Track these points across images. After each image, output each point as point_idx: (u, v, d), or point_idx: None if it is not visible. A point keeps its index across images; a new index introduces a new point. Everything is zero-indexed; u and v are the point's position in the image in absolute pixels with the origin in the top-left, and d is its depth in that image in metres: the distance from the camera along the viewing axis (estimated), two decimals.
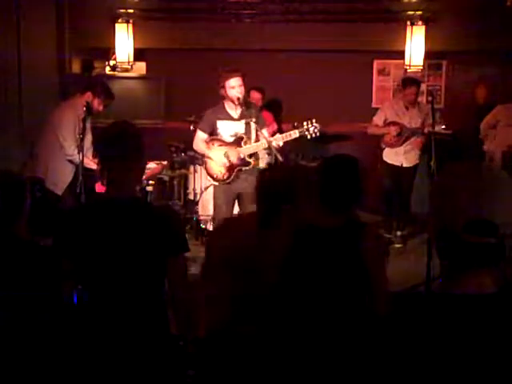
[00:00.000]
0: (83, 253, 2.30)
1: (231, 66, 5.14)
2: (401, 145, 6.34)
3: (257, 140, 5.12)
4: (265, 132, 5.14)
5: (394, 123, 6.38)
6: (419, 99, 6.62)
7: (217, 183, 5.27)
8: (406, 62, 7.56)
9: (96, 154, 2.38)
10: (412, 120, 6.33)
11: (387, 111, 6.47)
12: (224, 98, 5.07)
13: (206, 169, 5.36)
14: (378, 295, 2.44)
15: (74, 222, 2.36)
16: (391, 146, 6.42)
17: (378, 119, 6.51)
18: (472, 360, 1.35)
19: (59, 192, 5.11)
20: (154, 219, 2.32)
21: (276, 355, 2.41)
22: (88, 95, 5.09)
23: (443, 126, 6.12)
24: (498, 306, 1.39)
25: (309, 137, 5.09)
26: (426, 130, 6.19)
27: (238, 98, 4.97)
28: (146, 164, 2.52)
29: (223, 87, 5.00)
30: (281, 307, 2.44)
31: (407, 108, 6.36)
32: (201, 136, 5.22)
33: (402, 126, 6.33)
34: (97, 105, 5.14)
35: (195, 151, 5.60)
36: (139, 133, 2.40)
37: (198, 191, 6.56)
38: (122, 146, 2.32)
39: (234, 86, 4.96)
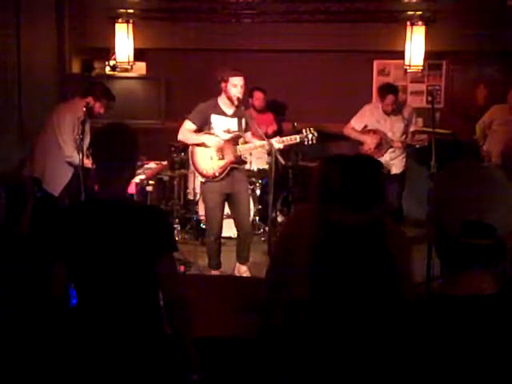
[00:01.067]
0: (73, 253, 2.31)
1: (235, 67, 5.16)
2: (382, 155, 6.12)
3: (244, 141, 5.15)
4: (248, 135, 5.18)
5: (374, 132, 6.19)
6: (404, 98, 6.52)
7: (203, 180, 5.17)
8: (406, 62, 7.56)
9: (90, 154, 2.40)
10: (394, 126, 6.17)
11: (368, 118, 6.25)
12: (220, 93, 5.05)
13: (193, 164, 5.18)
14: (407, 285, 2.52)
15: (64, 222, 2.36)
16: (371, 155, 6.27)
17: (356, 123, 6.28)
18: (472, 361, 1.35)
19: (55, 193, 5.11)
20: (142, 219, 2.32)
21: (308, 351, 2.43)
22: (89, 99, 5.09)
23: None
24: (498, 306, 1.39)
25: (306, 143, 5.15)
26: (406, 140, 6.13)
27: (238, 98, 4.97)
28: (136, 164, 2.52)
29: (226, 82, 4.98)
30: (312, 304, 2.45)
31: (388, 114, 6.16)
32: (189, 126, 5.07)
33: (381, 137, 6.13)
34: (98, 108, 5.16)
35: (180, 142, 5.37)
36: (132, 134, 2.41)
37: (198, 191, 6.56)
38: (113, 147, 2.34)
39: (237, 85, 4.95)
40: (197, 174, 5.30)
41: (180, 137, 5.17)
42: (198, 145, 5.11)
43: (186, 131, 5.09)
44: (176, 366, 2.36)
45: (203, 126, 5.08)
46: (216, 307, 3.84)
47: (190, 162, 5.29)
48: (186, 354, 2.33)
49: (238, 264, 5.38)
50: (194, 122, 5.07)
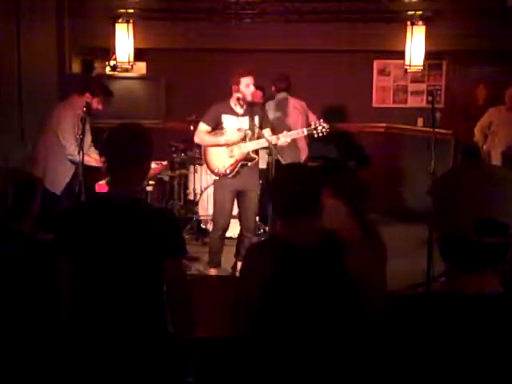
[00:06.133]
0: (81, 251, 2.31)
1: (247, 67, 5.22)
2: None
3: (257, 137, 5.16)
4: (267, 131, 5.16)
5: None
6: None
7: (217, 177, 5.25)
8: (406, 62, 7.56)
9: (102, 153, 2.40)
10: None
11: None
12: (232, 94, 5.10)
13: (206, 163, 5.30)
14: (373, 302, 2.26)
15: (75, 220, 2.37)
16: None
17: None
18: (477, 359, 1.35)
19: (58, 192, 5.11)
20: (153, 221, 2.32)
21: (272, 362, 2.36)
22: (87, 95, 5.09)
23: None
24: (504, 306, 1.39)
25: (316, 136, 5.15)
26: None
27: (247, 97, 5.05)
28: (150, 166, 2.52)
29: (238, 83, 5.04)
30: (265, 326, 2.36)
31: None
32: (203, 128, 5.20)
33: None
34: (96, 104, 5.15)
35: (196, 144, 5.50)
36: (147, 135, 2.41)
37: (198, 191, 6.56)
38: (128, 147, 2.34)
39: (249, 84, 5.03)
40: (210, 172, 5.38)
41: (196, 139, 5.31)
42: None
43: (202, 133, 5.22)
44: (176, 366, 2.36)
45: (216, 126, 5.19)
46: (216, 307, 3.84)
47: (203, 161, 5.39)
48: (185, 356, 2.34)
49: (238, 262, 5.39)
50: (208, 124, 5.19)
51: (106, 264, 2.29)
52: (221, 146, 5.15)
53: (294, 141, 5.69)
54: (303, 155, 6.46)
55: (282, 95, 6.67)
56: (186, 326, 2.36)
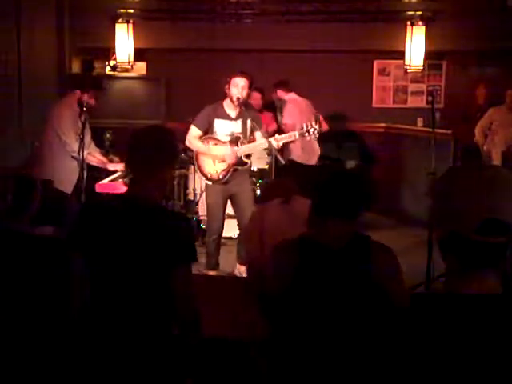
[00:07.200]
0: (96, 248, 2.30)
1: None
2: None
3: (251, 139, 5.14)
4: (258, 134, 5.13)
5: None
6: None
7: (210, 182, 5.20)
8: (406, 62, 7.57)
9: (122, 154, 2.39)
10: None
11: None
12: (225, 95, 5.07)
13: (198, 168, 5.26)
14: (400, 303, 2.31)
15: (90, 217, 2.36)
16: None
17: None
18: (477, 360, 1.35)
19: (68, 190, 5.10)
20: (166, 225, 2.30)
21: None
22: (77, 92, 5.10)
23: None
24: (504, 306, 1.39)
25: (308, 138, 5.14)
26: None
27: (238, 98, 4.97)
28: (173, 169, 2.47)
29: (228, 83, 5.02)
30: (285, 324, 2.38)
31: None
32: (194, 132, 5.12)
33: None
34: (87, 99, 5.11)
35: (188, 148, 5.43)
36: (173, 138, 2.40)
37: (198, 191, 6.56)
38: (148, 150, 2.33)
39: (238, 85, 4.97)
40: (202, 177, 5.34)
41: (188, 144, 5.23)
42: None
43: (192, 138, 5.15)
44: (179, 367, 2.35)
45: (208, 131, 5.14)
46: (216, 307, 3.84)
47: (196, 166, 5.36)
48: (188, 357, 2.33)
49: (238, 265, 5.39)
50: (199, 128, 5.13)
51: (118, 262, 2.28)
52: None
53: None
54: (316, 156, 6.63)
55: (291, 96, 6.68)
56: (192, 329, 2.36)
